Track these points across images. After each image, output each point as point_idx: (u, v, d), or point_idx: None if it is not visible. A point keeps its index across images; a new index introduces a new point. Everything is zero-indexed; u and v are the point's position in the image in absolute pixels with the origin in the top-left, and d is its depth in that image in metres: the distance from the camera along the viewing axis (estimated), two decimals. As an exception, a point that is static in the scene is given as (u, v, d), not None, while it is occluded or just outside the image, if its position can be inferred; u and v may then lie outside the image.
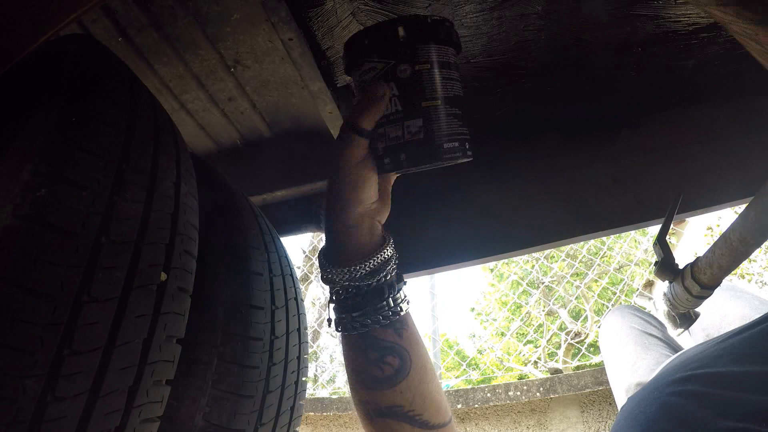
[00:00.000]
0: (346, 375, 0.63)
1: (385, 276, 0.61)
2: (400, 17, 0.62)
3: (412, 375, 0.59)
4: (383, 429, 0.60)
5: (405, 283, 0.63)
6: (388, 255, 0.61)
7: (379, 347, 0.59)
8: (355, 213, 0.59)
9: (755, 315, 1.06)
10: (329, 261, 0.60)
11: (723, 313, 1.12)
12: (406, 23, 0.60)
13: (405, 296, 0.62)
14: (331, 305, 0.63)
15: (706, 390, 0.52)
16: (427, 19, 0.60)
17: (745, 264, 3.34)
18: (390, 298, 0.60)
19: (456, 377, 3.93)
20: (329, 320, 0.63)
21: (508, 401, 2.72)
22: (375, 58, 0.60)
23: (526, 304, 5.67)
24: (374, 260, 0.60)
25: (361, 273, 0.59)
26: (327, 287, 0.62)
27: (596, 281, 5.05)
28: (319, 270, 0.63)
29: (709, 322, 1.14)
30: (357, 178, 0.59)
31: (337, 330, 0.62)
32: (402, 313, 0.61)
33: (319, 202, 1.29)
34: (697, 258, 0.91)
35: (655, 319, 1.25)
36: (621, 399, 1.12)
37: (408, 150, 0.59)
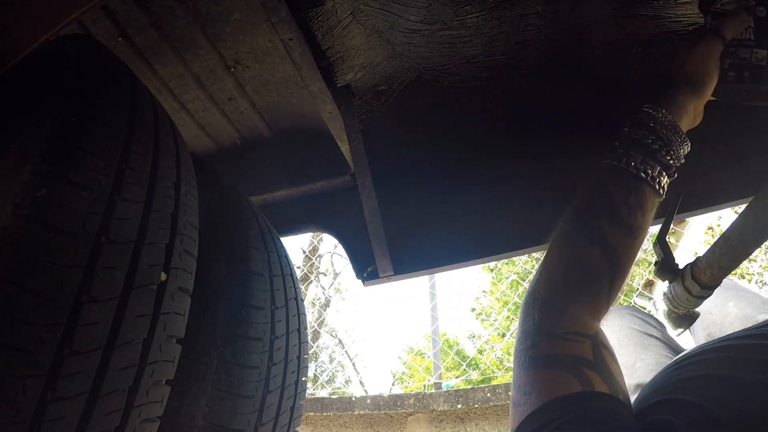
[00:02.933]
0: (583, 198, 0.70)
1: (679, 160, 0.71)
2: None
3: (637, 243, 0.65)
4: (584, 253, 0.64)
5: (675, 175, 0.72)
6: (686, 147, 0.72)
7: (640, 200, 0.66)
8: (691, 100, 0.73)
9: (757, 314, 1.06)
10: (665, 110, 0.71)
11: (725, 312, 1.12)
12: None
13: (666, 187, 0.70)
14: (621, 147, 0.70)
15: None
16: None
17: (745, 264, 3.35)
18: (669, 176, 0.69)
19: (456, 377, 3.93)
20: (617, 157, 0.69)
21: (508, 401, 2.72)
22: None
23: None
24: (688, 139, 0.72)
25: (679, 137, 0.70)
26: (642, 125, 0.71)
27: (596, 281, 5.04)
28: (644, 111, 0.73)
29: (710, 321, 1.13)
30: (707, 72, 0.75)
31: (619, 162, 0.68)
32: (660, 198, 0.69)
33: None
34: (697, 258, 0.91)
35: (655, 319, 1.24)
36: (620, 399, 1.11)
37: (751, 70, 0.78)
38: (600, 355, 0.54)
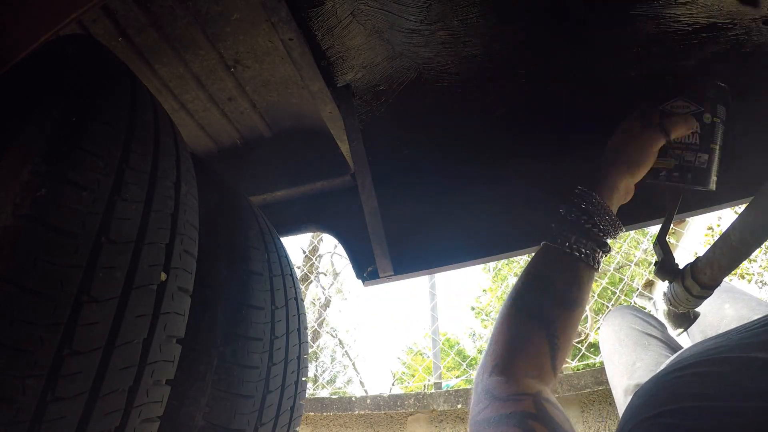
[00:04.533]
0: (522, 278, 0.76)
1: (610, 233, 0.77)
2: (713, 82, 0.89)
3: (575, 315, 0.71)
4: (524, 328, 0.70)
5: (609, 250, 0.78)
6: (619, 229, 0.79)
7: (575, 277, 0.73)
8: (624, 180, 0.80)
9: (753, 316, 1.06)
10: (596, 192, 0.77)
11: (721, 314, 1.12)
12: (718, 87, 0.88)
13: (602, 262, 0.78)
14: (555, 225, 0.78)
15: (726, 369, 0.52)
16: (725, 87, 0.88)
17: (745, 264, 3.34)
18: (602, 253, 0.76)
19: (456, 377, 3.93)
20: (551, 236, 0.76)
21: (508, 401, 2.71)
22: (690, 100, 0.87)
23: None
24: (613, 219, 0.78)
25: (610, 217, 0.76)
26: (574, 207, 0.78)
27: (596, 281, 5.05)
28: (576, 193, 0.80)
29: (707, 323, 1.14)
30: (644, 161, 0.82)
31: (553, 242, 0.75)
32: (597, 271, 0.76)
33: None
34: (697, 258, 0.91)
35: (655, 319, 1.24)
36: (620, 400, 1.11)
37: (694, 172, 0.86)
38: (542, 407, 0.60)
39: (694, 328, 1.15)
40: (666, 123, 0.84)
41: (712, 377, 0.52)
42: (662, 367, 0.93)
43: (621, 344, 1.19)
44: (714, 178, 0.88)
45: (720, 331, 1.09)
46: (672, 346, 1.16)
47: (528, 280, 0.75)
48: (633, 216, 1.07)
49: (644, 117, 0.86)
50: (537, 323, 0.69)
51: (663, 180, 0.87)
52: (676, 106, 0.88)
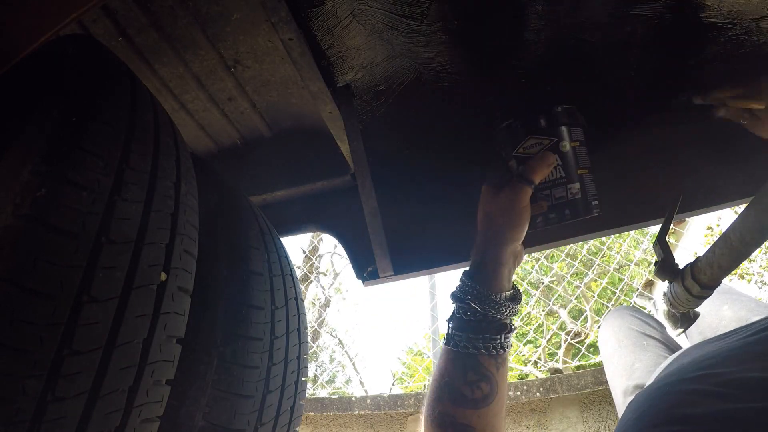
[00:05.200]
0: (432, 384, 0.73)
1: (509, 314, 0.72)
2: (557, 105, 0.83)
3: (493, 406, 0.68)
4: None
5: (514, 329, 0.74)
6: (518, 298, 0.75)
7: (480, 372, 0.69)
8: (508, 251, 0.73)
9: (752, 317, 1.06)
10: (474, 281, 0.72)
11: (720, 315, 1.12)
12: (565, 110, 0.82)
13: (510, 340, 0.73)
14: (450, 323, 0.74)
15: (718, 390, 0.52)
16: (573, 108, 0.83)
17: (745, 264, 3.34)
18: (504, 335, 0.71)
19: (456, 377, 3.92)
20: (446, 336, 0.73)
21: (508, 401, 2.72)
22: (541, 135, 0.80)
23: (526, 303, 5.67)
24: (510, 297, 0.73)
25: (498, 303, 0.71)
26: (462, 305, 0.73)
27: (596, 281, 5.05)
28: (459, 286, 0.74)
29: (705, 324, 1.14)
30: (519, 220, 0.74)
31: (448, 344, 0.72)
32: (506, 352, 0.71)
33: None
34: (697, 258, 0.91)
35: (654, 320, 1.24)
36: (619, 401, 1.11)
37: (571, 207, 0.80)
38: None
39: (693, 329, 1.15)
40: (525, 171, 0.77)
41: (702, 398, 0.52)
42: (658, 370, 0.92)
43: (620, 345, 1.19)
44: (594, 202, 0.82)
45: (719, 333, 1.09)
46: (671, 346, 1.16)
47: (434, 390, 0.72)
48: (633, 216, 1.07)
49: (502, 174, 0.81)
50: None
51: (542, 226, 0.81)
52: (529, 146, 0.81)
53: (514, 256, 0.76)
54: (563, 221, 0.80)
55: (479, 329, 0.70)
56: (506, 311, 0.72)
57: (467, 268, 0.75)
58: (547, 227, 0.81)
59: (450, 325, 0.73)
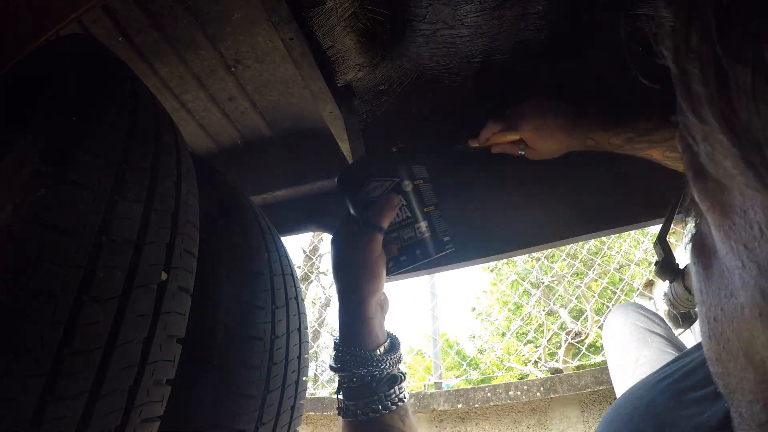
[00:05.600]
0: None
1: (395, 365, 0.70)
2: (393, 147, 0.81)
3: None
4: None
5: (405, 377, 0.71)
6: (397, 345, 0.73)
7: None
8: (372, 303, 0.70)
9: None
10: (349, 345, 0.68)
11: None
12: (401, 150, 0.80)
13: (405, 389, 0.70)
14: (340, 395, 0.70)
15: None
16: (404, 146, 0.81)
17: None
18: (397, 386, 0.68)
19: (456, 377, 3.93)
20: (338, 408, 0.70)
21: (508, 401, 2.72)
22: (381, 177, 0.76)
23: (527, 303, 5.67)
24: (388, 348, 0.70)
25: (380, 359, 0.68)
26: (337, 374, 0.70)
27: (596, 281, 5.05)
28: (335, 356, 0.71)
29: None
30: (376, 270, 0.70)
31: (345, 417, 0.68)
32: (405, 401, 0.68)
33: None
34: (698, 258, 0.91)
35: (659, 317, 1.24)
36: (621, 398, 1.12)
37: (421, 246, 0.75)
38: None
39: (697, 325, 1.15)
40: (371, 216, 0.73)
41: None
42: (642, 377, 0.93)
43: (624, 342, 1.19)
44: (446, 238, 0.79)
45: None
46: (675, 343, 1.16)
47: None
48: (633, 216, 1.07)
49: (347, 223, 0.77)
50: None
51: (394, 271, 0.77)
52: (371, 189, 0.76)
53: (379, 306, 0.73)
54: (416, 263, 0.76)
55: (370, 392, 0.67)
56: (389, 363, 0.69)
57: (337, 336, 0.72)
58: (399, 272, 0.77)
59: (340, 398, 0.70)
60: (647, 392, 0.59)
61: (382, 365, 0.68)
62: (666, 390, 0.55)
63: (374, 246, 0.71)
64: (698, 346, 0.65)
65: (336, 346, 0.70)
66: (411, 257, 0.75)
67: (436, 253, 0.77)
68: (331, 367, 0.71)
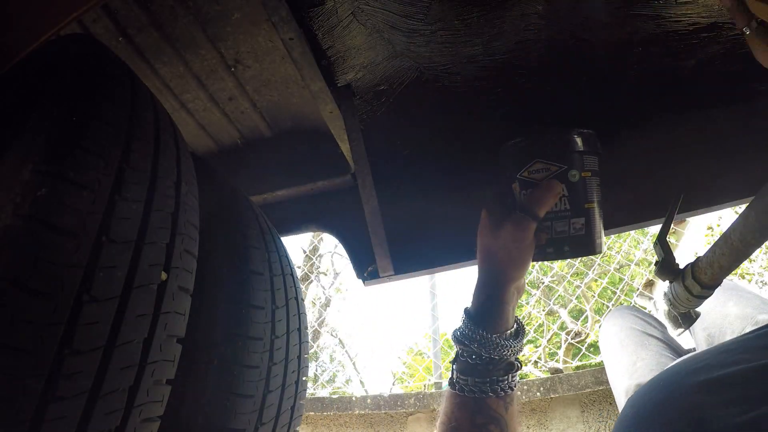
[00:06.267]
0: (439, 428, 0.69)
1: (515, 353, 0.69)
2: (573, 129, 0.72)
3: None
4: None
5: (521, 366, 0.71)
6: (522, 333, 0.71)
7: (488, 415, 0.66)
8: (511, 288, 0.69)
9: (757, 314, 1.06)
10: (478, 326, 0.68)
11: (724, 312, 1.12)
12: (580, 135, 0.71)
13: (518, 377, 0.70)
14: (454, 365, 0.70)
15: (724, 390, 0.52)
16: (591, 133, 0.72)
17: (745, 264, 3.34)
18: (511, 375, 0.68)
19: (456, 377, 3.92)
20: (450, 379, 0.70)
21: (508, 401, 2.71)
22: (549, 160, 0.71)
23: (527, 303, 5.66)
24: (513, 334, 0.69)
25: (504, 345, 0.67)
26: (458, 347, 0.70)
27: (596, 281, 5.05)
28: (461, 329, 0.70)
29: (710, 321, 1.14)
30: (523, 258, 0.68)
31: (453, 389, 0.69)
32: (513, 391, 0.68)
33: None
34: (698, 258, 0.91)
35: (655, 319, 1.24)
36: (621, 400, 1.11)
37: (571, 243, 0.71)
38: None
39: (697, 326, 1.15)
40: (529, 202, 0.70)
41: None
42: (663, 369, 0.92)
43: (621, 344, 1.19)
44: (598, 241, 0.74)
45: (724, 330, 1.09)
46: (672, 346, 1.16)
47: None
48: (633, 216, 1.07)
49: (503, 199, 0.74)
50: None
51: (538, 260, 0.73)
52: (535, 170, 0.72)
53: (517, 291, 0.72)
54: (561, 258, 0.73)
55: (485, 372, 0.67)
56: (512, 351, 0.68)
57: (468, 307, 0.71)
58: (542, 261, 0.75)
59: (454, 368, 0.70)
60: (682, 382, 0.58)
61: (504, 351, 0.67)
62: (704, 385, 0.54)
63: (527, 235, 0.68)
64: (736, 341, 0.64)
65: (465, 320, 0.69)
66: (558, 251, 0.72)
67: (585, 254, 0.74)
68: (454, 339, 0.70)
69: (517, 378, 0.69)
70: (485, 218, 0.73)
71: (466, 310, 0.71)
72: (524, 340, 0.71)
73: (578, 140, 0.72)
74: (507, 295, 0.69)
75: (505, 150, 0.78)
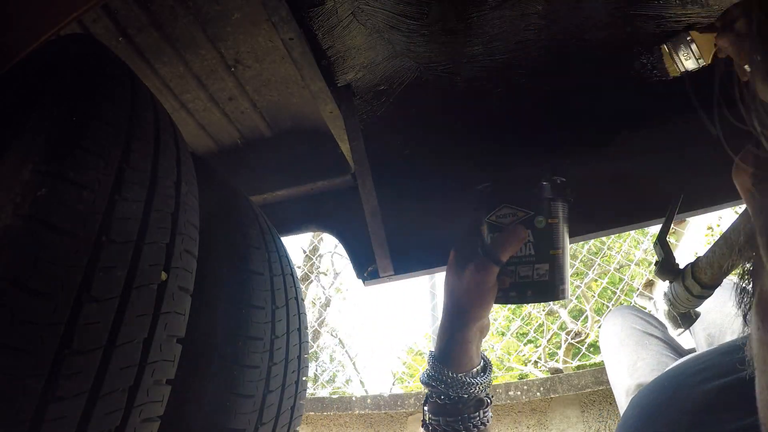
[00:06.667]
0: None
1: (484, 389, 0.70)
2: (542, 176, 0.73)
3: None
4: None
5: (491, 401, 0.72)
6: (489, 368, 0.73)
7: None
8: (473, 328, 0.70)
9: (756, 314, 1.06)
10: (444, 366, 0.69)
11: (725, 311, 1.12)
12: (549, 182, 0.72)
13: (490, 413, 0.71)
14: (426, 407, 0.72)
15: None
16: (557, 180, 0.72)
17: (745, 264, 3.32)
18: (482, 411, 0.69)
19: (456, 377, 3.92)
20: (422, 420, 0.72)
21: (508, 401, 2.72)
22: (516, 206, 0.72)
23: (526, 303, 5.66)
24: (480, 370, 0.71)
25: (471, 383, 0.69)
26: (427, 389, 0.72)
27: (596, 281, 5.05)
28: (428, 371, 0.72)
29: (710, 321, 1.14)
30: (484, 300, 0.70)
31: (427, 430, 0.70)
32: (486, 426, 0.70)
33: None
34: (698, 258, 0.91)
35: (656, 319, 1.24)
36: (621, 400, 1.11)
37: (534, 288, 0.71)
38: None
39: (697, 326, 1.15)
40: (493, 246, 0.70)
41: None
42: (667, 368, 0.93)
43: (622, 344, 1.19)
44: (561, 287, 0.73)
45: (724, 330, 1.08)
46: (673, 346, 1.16)
47: None
48: (633, 216, 1.07)
49: (468, 243, 0.75)
50: None
51: (501, 303, 0.74)
52: (502, 215, 0.72)
53: (480, 330, 0.73)
54: (524, 302, 0.74)
55: (456, 411, 0.69)
56: (480, 387, 0.70)
57: (433, 350, 0.73)
58: (504, 304, 0.75)
59: (426, 410, 0.72)
60: (685, 383, 0.58)
61: (471, 389, 0.69)
62: (706, 391, 0.55)
63: (489, 278, 0.69)
64: (737, 342, 0.64)
65: (431, 362, 0.71)
66: (521, 296, 0.72)
67: (548, 300, 0.75)
68: (422, 381, 0.71)
69: (489, 414, 0.70)
70: (452, 258, 0.75)
71: (431, 352, 0.72)
72: (491, 375, 0.73)
73: (547, 187, 0.73)
74: (469, 334, 0.70)
75: (475, 193, 0.79)
